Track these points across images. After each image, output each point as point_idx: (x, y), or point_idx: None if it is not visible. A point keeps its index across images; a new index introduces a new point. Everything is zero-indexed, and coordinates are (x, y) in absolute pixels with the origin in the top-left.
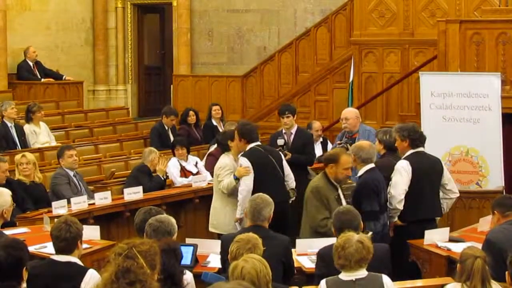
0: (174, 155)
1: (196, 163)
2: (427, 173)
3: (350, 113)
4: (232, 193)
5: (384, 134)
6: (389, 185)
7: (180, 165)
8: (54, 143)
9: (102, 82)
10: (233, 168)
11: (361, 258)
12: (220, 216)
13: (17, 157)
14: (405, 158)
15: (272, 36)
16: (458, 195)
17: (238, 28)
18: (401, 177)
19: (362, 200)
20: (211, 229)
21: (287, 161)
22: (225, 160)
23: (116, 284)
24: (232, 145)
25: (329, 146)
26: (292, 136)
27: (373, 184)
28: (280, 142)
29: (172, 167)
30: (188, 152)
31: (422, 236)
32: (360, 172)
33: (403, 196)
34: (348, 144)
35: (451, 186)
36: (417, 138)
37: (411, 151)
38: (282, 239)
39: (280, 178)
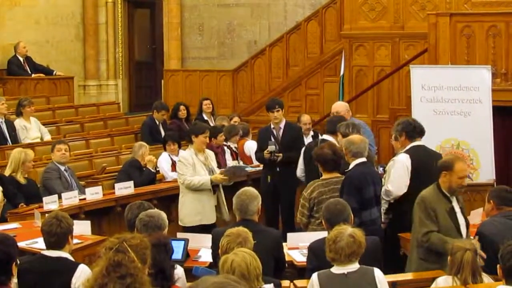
0: (166, 150)
1: None
2: (426, 166)
3: (341, 106)
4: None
5: (346, 128)
6: (385, 179)
7: (171, 159)
8: (48, 137)
9: (93, 77)
10: (192, 162)
11: (351, 252)
12: (181, 208)
13: (30, 153)
14: (405, 152)
15: (263, 30)
16: None
17: (228, 23)
18: (399, 173)
19: (343, 194)
20: (179, 222)
21: (280, 161)
22: (184, 154)
23: (107, 278)
24: (195, 140)
25: None
26: (281, 131)
27: (356, 180)
28: (271, 148)
29: (163, 162)
30: (180, 147)
31: None
32: (350, 166)
33: (401, 193)
34: None
35: None
36: (412, 130)
37: (410, 144)
38: (273, 233)
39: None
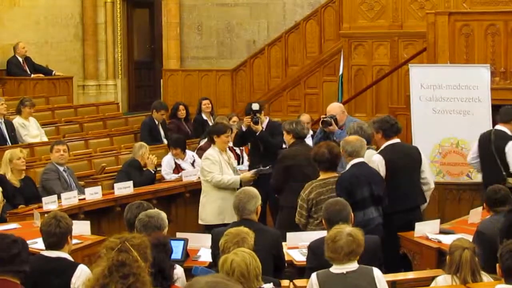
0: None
1: (194, 161)
2: (402, 163)
3: (335, 108)
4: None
5: (290, 124)
6: None
7: (176, 163)
8: (45, 138)
9: (92, 77)
10: (219, 160)
11: (350, 251)
12: (203, 207)
13: (16, 151)
14: (379, 152)
15: (262, 30)
16: (432, 187)
17: (227, 22)
18: None
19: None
20: (199, 221)
21: (258, 136)
22: (211, 152)
23: (108, 278)
24: (217, 140)
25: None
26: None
27: (346, 182)
28: (255, 106)
29: (165, 164)
30: (184, 150)
31: (407, 226)
32: (348, 166)
33: None
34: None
35: (426, 176)
36: (387, 128)
37: (386, 143)
38: (273, 232)
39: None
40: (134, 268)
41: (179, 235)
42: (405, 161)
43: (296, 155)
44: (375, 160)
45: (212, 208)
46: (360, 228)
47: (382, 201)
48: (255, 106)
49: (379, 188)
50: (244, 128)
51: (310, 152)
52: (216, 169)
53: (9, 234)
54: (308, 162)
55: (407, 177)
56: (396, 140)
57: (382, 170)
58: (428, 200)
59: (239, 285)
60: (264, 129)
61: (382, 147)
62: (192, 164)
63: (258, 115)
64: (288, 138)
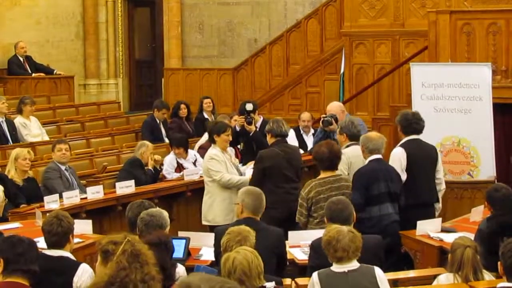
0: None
1: (195, 160)
2: (421, 159)
3: (335, 107)
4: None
5: (268, 124)
6: None
7: (178, 162)
8: (46, 138)
9: (93, 76)
10: (224, 160)
11: (356, 247)
12: (209, 208)
13: (24, 151)
14: (400, 145)
15: (263, 29)
16: (443, 188)
17: (228, 21)
18: (393, 165)
19: (352, 189)
20: (203, 222)
21: (252, 136)
22: (215, 152)
23: (128, 269)
24: (217, 139)
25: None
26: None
27: (364, 176)
28: (249, 106)
29: (167, 164)
30: (187, 150)
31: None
32: (366, 162)
33: None
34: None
35: (440, 176)
36: (406, 126)
37: (406, 138)
38: (275, 231)
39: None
40: (148, 258)
41: (181, 234)
42: (423, 157)
43: (275, 155)
44: (397, 152)
45: (220, 208)
46: (375, 223)
47: (398, 199)
48: (249, 106)
49: (396, 186)
50: (238, 128)
51: (291, 151)
52: (223, 169)
53: (14, 234)
54: (288, 162)
55: (423, 173)
56: (415, 136)
57: (404, 163)
58: (440, 201)
59: (237, 283)
60: (258, 129)
61: (403, 141)
62: (194, 163)
63: (251, 115)
64: (268, 138)
